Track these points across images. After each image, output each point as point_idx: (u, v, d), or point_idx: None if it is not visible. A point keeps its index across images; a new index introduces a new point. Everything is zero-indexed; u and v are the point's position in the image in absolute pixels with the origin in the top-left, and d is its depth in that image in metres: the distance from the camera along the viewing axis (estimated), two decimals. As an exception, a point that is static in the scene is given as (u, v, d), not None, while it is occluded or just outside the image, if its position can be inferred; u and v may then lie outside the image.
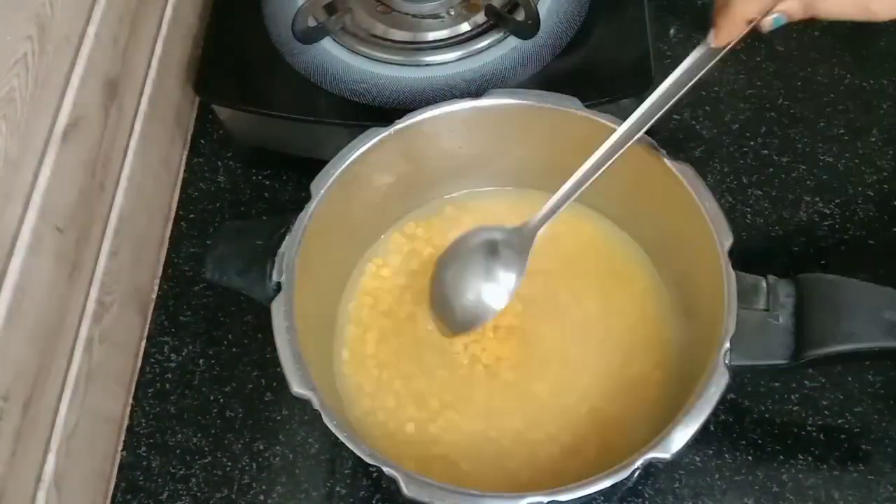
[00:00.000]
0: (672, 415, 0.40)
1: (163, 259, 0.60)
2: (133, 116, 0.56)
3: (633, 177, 0.46)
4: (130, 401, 0.55)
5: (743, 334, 0.41)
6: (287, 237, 0.45)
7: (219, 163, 0.64)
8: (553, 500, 0.38)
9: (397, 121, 0.47)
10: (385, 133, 0.47)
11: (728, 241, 0.43)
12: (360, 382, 0.50)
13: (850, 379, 0.53)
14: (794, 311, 0.42)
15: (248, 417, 0.54)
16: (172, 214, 0.62)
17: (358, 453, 0.40)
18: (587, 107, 0.47)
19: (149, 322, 0.58)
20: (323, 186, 0.46)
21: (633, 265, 0.52)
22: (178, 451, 0.53)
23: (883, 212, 0.58)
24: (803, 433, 0.52)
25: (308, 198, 0.45)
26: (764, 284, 0.43)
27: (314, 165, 0.62)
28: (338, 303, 0.52)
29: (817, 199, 0.59)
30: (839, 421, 0.52)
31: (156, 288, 0.59)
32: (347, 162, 0.47)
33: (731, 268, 0.42)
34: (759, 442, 0.51)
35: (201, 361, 0.56)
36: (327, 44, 0.58)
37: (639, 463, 0.38)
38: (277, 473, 0.52)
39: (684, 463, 0.51)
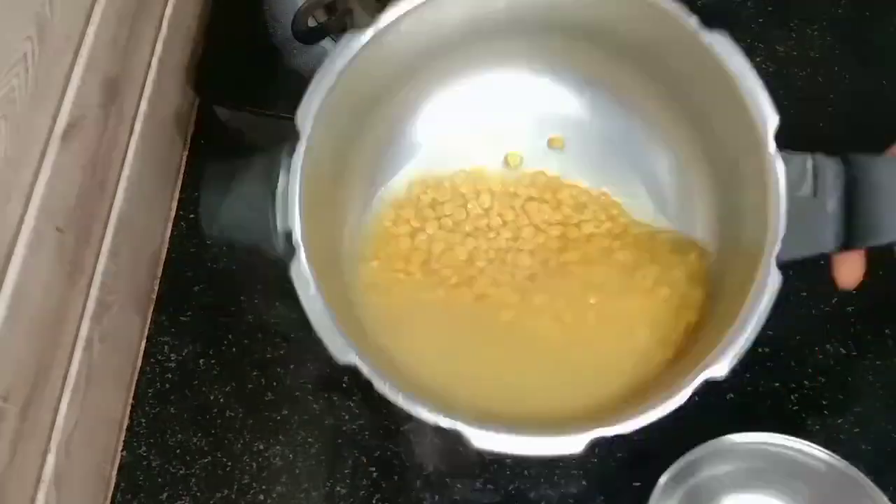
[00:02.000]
0: (715, 333, 0.38)
1: (163, 259, 0.60)
2: (133, 116, 0.56)
3: (655, 50, 0.43)
4: (130, 401, 0.55)
5: (787, 224, 0.37)
6: (283, 175, 0.40)
7: (219, 163, 0.64)
8: (618, 433, 0.36)
9: (374, 23, 0.42)
10: (364, 40, 0.42)
11: (774, 121, 0.38)
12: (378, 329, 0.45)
13: (850, 379, 0.53)
14: (843, 196, 0.37)
15: (248, 417, 0.54)
16: (172, 214, 0.62)
17: (417, 414, 0.38)
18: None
19: (149, 322, 0.58)
20: (308, 119, 0.41)
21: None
22: (178, 451, 0.53)
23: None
24: (803, 433, 0.52)
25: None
26: (810, 165, 0.38)
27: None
28: (352, 240, 0.47)
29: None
30: (839, 421, 0.52)
31: (156, 288, 0.59)
32: (326, 89, 0.41)
33: (778, 152, 0.38)
34: (759, 442, 0.51)
35: (201, 361, 0.56)
36: (327, 44, 0.58)
37: (696, 383, 0.36)
38: (277, 473, 0.52)
39: (684, 463, 0.51)
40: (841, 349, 0.54)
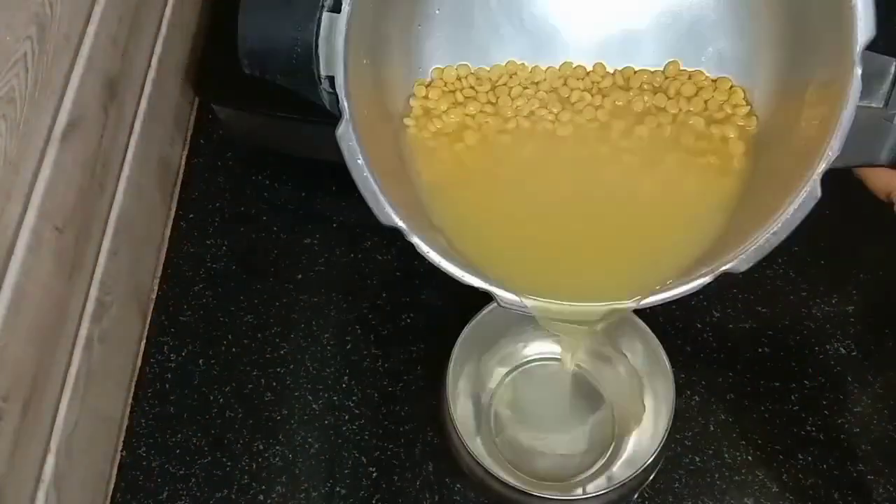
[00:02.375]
0: (747, 226, 0.37)
1: (163, 259, 0.60)
2: (133, 116, 0.56)
3: None
4: (130, 401, 0.55)
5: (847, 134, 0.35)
6: (325, 15, 0.37)
7: (219, 163, 0.64)
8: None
9: None
10: None
11: (868, 31, 0.34)
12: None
13: (849, 379, 0.53)
14: None
15: (248, 417, 0.54)
16: (172, 214, 0.62)
17: (460, 277, 0.37)
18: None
19: (149, 322, 0.58)
20: None
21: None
22: (178, 451, 0.53)
23: None
24: (803, 433, 0.52)
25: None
26: (893, 69, 0.35)
27: (314, 165, 0.62)
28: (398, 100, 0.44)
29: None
30: (839, 421, 0.52)
31: (156, 288, 0.59)
32: None
33: (862, 55, 0.34)
34: (759, 442, 0.51)
35: (201, 361, 0.56)
36: (327, 44, 0.58)
37: (715, 274, 0.36)
38: (277, 473, 0.52)
39: (684, 463, 0.51)
40: (841, 349, 0.54)
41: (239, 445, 0.53)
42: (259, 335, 0.57)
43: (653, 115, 0.43)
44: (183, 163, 0.64)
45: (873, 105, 0.35)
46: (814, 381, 0.53)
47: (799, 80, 0.40)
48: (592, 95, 0.44)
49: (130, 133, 0.56)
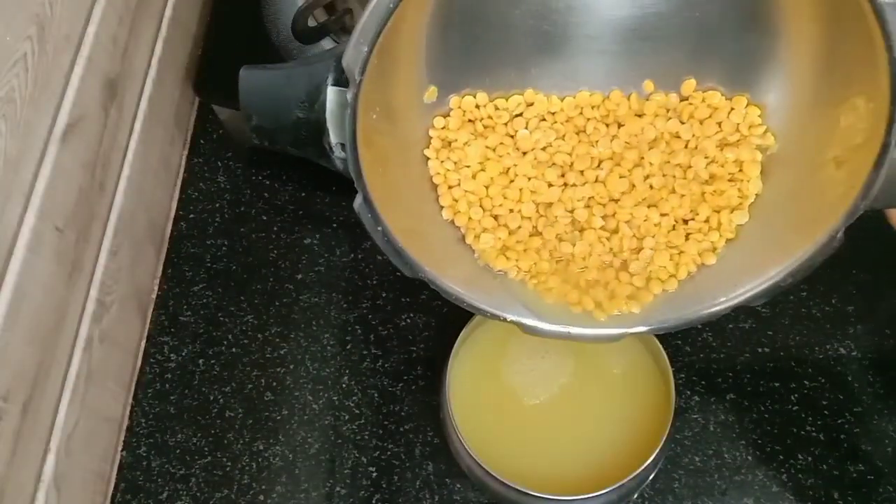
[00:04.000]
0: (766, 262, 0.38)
1: (163, 259, 0.60)
2: (133, 116, 0.56)
3: None
4: (130, 401, 0.55)
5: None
6: (330, 90, 0.37)
7: (219, 163, 0.64)
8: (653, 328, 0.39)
9: None
10: None
11: None
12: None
13: (849, 379, 0.53)
14: None
15: (248, 417, 0.54)
16: (172, 214, 0.62)
17: (480, 311, 0.39)
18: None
19: (149, 322, 0.58)
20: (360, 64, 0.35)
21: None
22: (178, 451, 0.53)
23: None
24: (803, 433, 0.52)
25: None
26: None
27: (314, 165, 0.62)
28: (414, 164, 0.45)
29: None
30: (839, 421, 0.52)
31: (156, 288, 0.59)
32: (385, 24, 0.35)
33: None
34: (759, 442, 0.51)
35: (201, 361, 0.56)
36: (327, 44, 0.58)
37: (733, 304, 0.38)
38: (277, 473, 0.52)
39: (684, 463, 0.51)
40: (841, 349, 0.54)
41: (239, 445, 0.53)
42: (259, 335, 0.57)
43: (666, 141, 0.44)
44: (183, 163, 0.64)
45: None
46: (814, 381, 0.53)
47: (828, 107, 0.38)
48: (608, 126, 0.44)
49: (130, 133, 0.56)
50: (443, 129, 0.44)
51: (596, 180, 0.44)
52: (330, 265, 0.59)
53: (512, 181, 0.45)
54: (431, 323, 0.56)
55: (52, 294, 0.46)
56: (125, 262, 0.55)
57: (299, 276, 0.59)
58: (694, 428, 0.52)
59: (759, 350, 0.55)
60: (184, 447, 0.53)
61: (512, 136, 0.45)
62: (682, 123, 0.43)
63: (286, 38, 0.59)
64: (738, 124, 0.43)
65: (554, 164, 0.44)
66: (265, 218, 0.61)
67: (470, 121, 0.45)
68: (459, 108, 0.44)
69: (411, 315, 0.57)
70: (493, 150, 0.45)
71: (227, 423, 0.54)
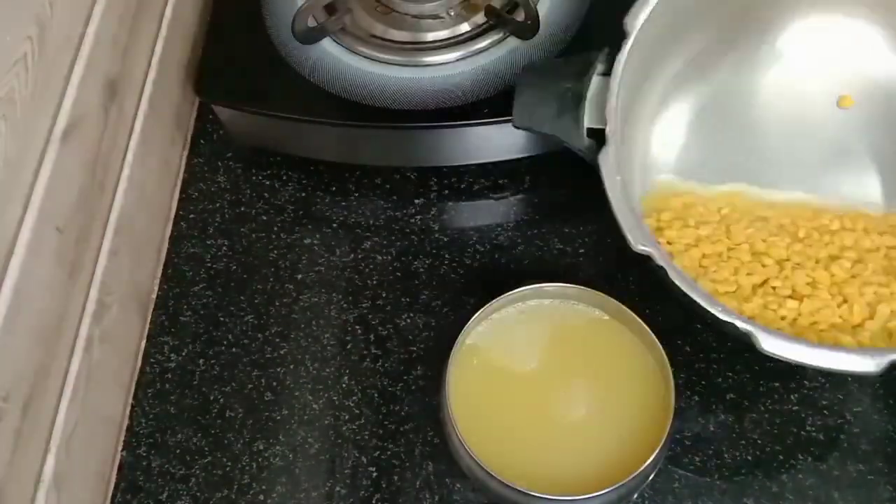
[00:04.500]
0: None
1: (163, 259, 0.60)
2: (133, 116, 0.56)
3: None
4: (130, 401, 0.55)
5: None
6: (596, 78, 0.42)
7: (219, 163, 0.64)
8: None
9: None
10: None
11: None
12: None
13: (849, 379, 0.53)
14: None
15: (248, 417, 0.54)
16: (172, 214, 0.62)
17: (711, 309, 0.38)
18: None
19: (149, 322, 0.58)
20: (638, 22, 0.43)
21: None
22: (178, 451, 0.53)
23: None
24: (803, 433, 0.52)
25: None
26: None
27: (314, 165, 0.62)
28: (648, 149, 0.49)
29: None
30: (839, 421, 0.52)
31: (156, 288, 0.59)
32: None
33: None
34: (759, 442, 0.51)
35: (201, 361, 0.56)
36: (327, 44, 0.58)
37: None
38: (277, 473, 0.52)
39: (684, 463, 0.51)
40: (841, 349, 0.54)
41: (239, 445, 0.53)
42: (259, 335, 0.57)
43: (883, 249, 0.46)
44: (183, 163, 0.64)
45: None
46: (814, 382, 0.53)
47: None
48: (820, 235, 0.47)
49: (130, 133, 0.56)
50: (657, 220, 0.47)
51: (816, 268, 0.46)
52: (330, 265, 0.59)
53: (726, 261, 0.47)
54: (431, 323, 0.56)
55: (52, 294, 0.46)
56: (125, 262, 0.55)
57: (299, 276, 0.59)
58: (694, 428, 0.52)
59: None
60: (184, 447, 0.53)
61: (726, 232, 0.48)
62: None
63: (286, 39, 0.59)
64: None
65: (770, 256, 0.47)
66: (265, 218, 0.61)
67: (680, 217, 0.48)
68: (669, 209, 0.48)
69: (411, 315, 0.57)
70: (708, 236, 0.47)
71: (227, 423, 0.54)
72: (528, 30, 0.57)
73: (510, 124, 0.51)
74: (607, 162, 0.40)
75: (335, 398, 0.54)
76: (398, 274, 0.58)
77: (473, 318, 0.48)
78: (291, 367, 0.56)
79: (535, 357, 0.49)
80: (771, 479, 0.50)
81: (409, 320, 0.57)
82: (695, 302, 0.38)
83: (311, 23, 0.59)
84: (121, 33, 0.54)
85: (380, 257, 0.59)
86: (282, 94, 0.58)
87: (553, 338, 0.49)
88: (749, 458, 0.51)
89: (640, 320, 0.47)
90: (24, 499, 0.44)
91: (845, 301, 0.45)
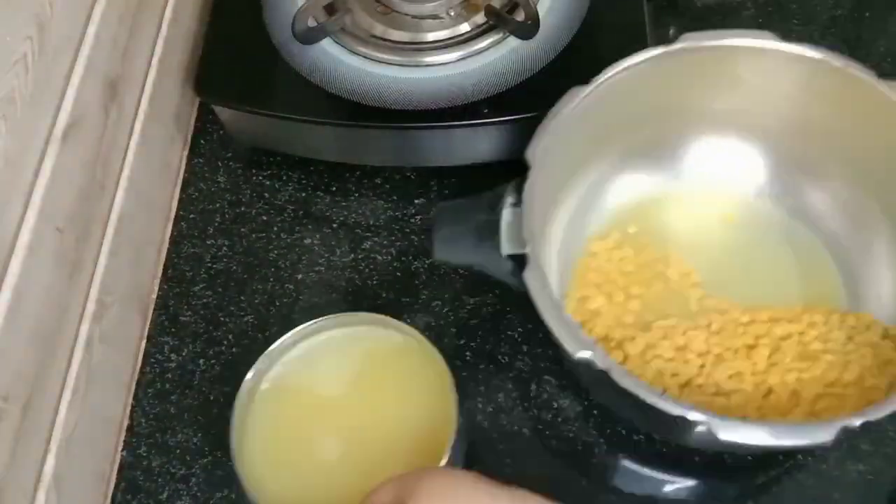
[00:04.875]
0: None
1: (163, 259, 0.60)
2: (133, 116, 0.56)
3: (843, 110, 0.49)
4: (130, 401, 0.55)
5: None
6: (508, 209, 0.45)
7: (219, 163, 0.64)
8: (865, 422, 0.38)
9: (595, 77, 0.48)
10: (587, 91, 0.48)
11: None
12: None
13: (849, 379, 0.53)
14: None
15: (248, 417, 0.54)
16: (172, 214, 0.62)
17: (660, 406, 0.39)
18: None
19: (149, 322, 0.58)
20: (538, 152, 0.46)
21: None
22: (178, 451, 0.53)
23: None
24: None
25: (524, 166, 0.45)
26: None
27: (314, 165, 0.62)
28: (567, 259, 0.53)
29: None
30: (839, 421, 0.52)
31: (156, 288, 0.59)
32: (558, 124, 0.47)
33: None
34: (759, 442, 0.51)
35: (201, 361, 0.56)
36: (327, 44, 0.58)
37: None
38: (277, 473, 0.52)
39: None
40: (841, 349, 0.54)
41: (239, 445, 0.53)
42: (259, 335, 0.57)
43: (795, 336, 0.49)
44: (183, 163, 0.64)
45: None
46: (814, 382, 0.53)
47: None
48: (734, 327, 0.49)
49: (130, 133, 0.56)
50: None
51: (735, 358, 0.48)
52: (330, 265, 0.59)
53: (648, 362, 0.48)
54: (431, 323, 0.56)
55: (52, 294, 0.46)
56: (125, 262, 0.55)
57: (299, 276, 0.59)
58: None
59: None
60: (184, 447, 0.53)
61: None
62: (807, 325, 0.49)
63: (286, 38, 0.59)
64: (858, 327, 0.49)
65: (691, 350, 0.49)
66: (265, 218, 0.61)
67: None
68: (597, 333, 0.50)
69: (411, 315, 0.57)
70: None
71: (228, 424, 0.54)
72: (528, 30, 0.57)
73: (510, 124, 0.51)
74: (533, 280, 0.42)
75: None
76: (398, 274, 0.58)
77: (260, 358, 0.48)
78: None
79: (332, 385, 0.49)
80: (771, 479, 0.50)
81: (408, 320, 0.57)
82: (640, 399, 0.39)
83: (311, 23, 0.59)
84: (121, 33, 0.54)
85: (380, 257, 0.59)
86: (282, 94, 0.58)
87: (344, 365, 0.49)
88: (749, 458, 0.51)
89: (421, 336, 0.48)
90: (24, 499, 0.44)
91: (771, 391, 0.47)
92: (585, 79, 0.48)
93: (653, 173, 0.55)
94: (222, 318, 0.58)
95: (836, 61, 0.48)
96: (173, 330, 0.58)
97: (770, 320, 0.49)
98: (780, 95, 0.51)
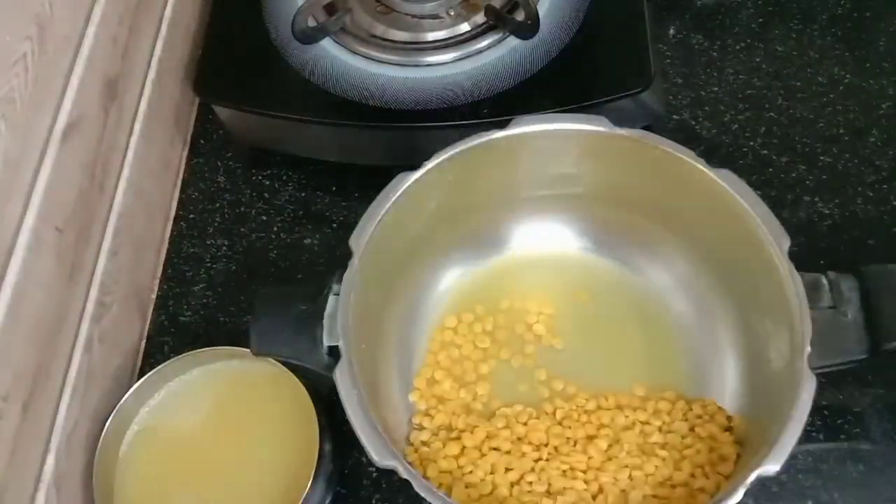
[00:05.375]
0: (763, 436, 0.41)
1: (163, 259, 0.60)
2: (133, 116, 0.56)
3: (672, 188, 0.47)
4: (130, 401, 0.55)
5: (814, 335, 0.40)
6: (332, 298, 0.43)
7: (219, 163, 0.64)
8: None
9: (425, 162, 0.47)
10: (416, 176, 0.47)
11: (786, 243, 0.42)
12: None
13: (849, 379, 0.53)
14: (861, 305, 0.42)
15: (248, 417, 0.54)
16: (172, 214, 0.62)
17: None
18: (587, 108, 0.47)
19: (149, 322, 0.58)
20: (363, 241, 0.45)
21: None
22: (177, 451, 0.53)
23: (882, 212, 0.58)
24: (803, 433, 0.52)
25: (349, 254, 0.44)
26: (825, 281, 0.42)
27: (314, 165, 0.62)
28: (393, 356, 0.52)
29: (817, 199, 0.59)
30: (839, 421, 0.52)
31: (156, 288, 0.59)
32: (383, 211, 0.46)
33: (794, 269, 0.42)
34: (759, 442, 0.51)
35: (201, 361, 0.56)
36: (327, 44, 0.58)
37: (749, 482, 0.38)
38: (277, 473, 0.52)
39: (684, 463, 0.51)
40: (841, 349, 0.54)
41: (239, 445, 0.53)
42: (259, 335, 0.57)
43: (640, 424, 0.49)
44: (183, 163, 0.64)
45: (824, 306, 0.42)
46: (814, 382, 0.53)
47: (758, 321, 0.46)
48: (578, 415, 0.49)
49: (130, 133, 0.56)
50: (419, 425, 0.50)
51: (572, 451, 0.48)
52: (330, 265, 0.59)
53: (484, 455, 0.48)
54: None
55: (52, 294, 0.46)
56: (125, 262, 0.55)
57: (299, 276, 0.59)
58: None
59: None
60: (184, 447, 0.53)
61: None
62: (651, 413, 0.49)
63: (286, 38, 0.59)
64: (702, 414, 0.48)
65: (530, 442, 0.48)
66: (265, 218, 0.61)
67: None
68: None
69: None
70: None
71: (227, 423, 0.54)
72: (528, 30, 0.57)
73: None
74: (343, 377, 0.41)
75: (335, 397, 0.54)
76: (398, 274, 0.58)
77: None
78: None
79: (197, 423, 0.50)
80: (771, 479, 0.50)
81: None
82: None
83: (311, 23, 0.59)
84: (121, 33, 0.54)
85: (380, 257, 0.59)
86: (282, 94, 0.58)
87: (205, 403, 0.50)
88: (749, 458, 0.51)
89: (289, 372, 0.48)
90: (24, 498, 0.44)
91: (601, 491, 0.47)
92: (413, 165, 0.47)
93: (497, 252, 0.55)
94: (222, 319, 0.58)
95: (657, 142, 0.46)
96: (173, 330, 0.58)
97: (616, 407, 0.49)
98: (611, 175, 0.50)
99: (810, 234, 0.57)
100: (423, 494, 0.39)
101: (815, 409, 0.51)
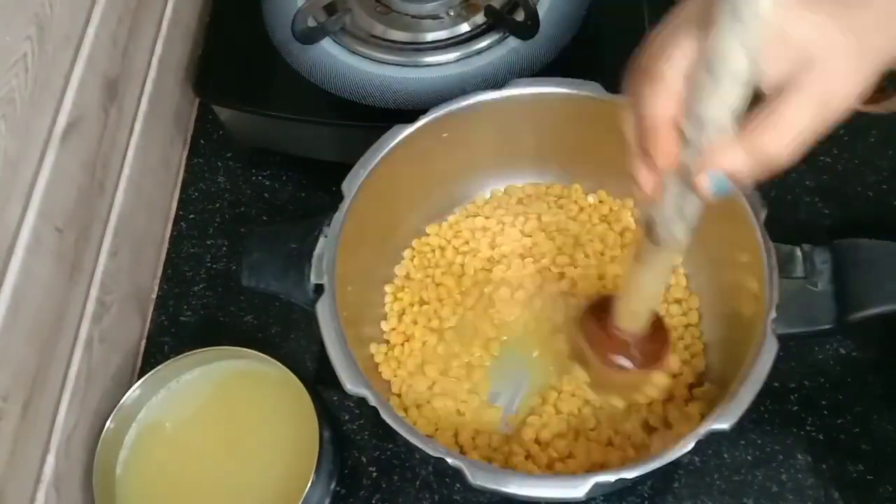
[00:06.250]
0: (722, 391, 0.42)
1: (163, 259, 0.60)
2: (133, 116, 0.56)
3: None
4: (130, 401, 0.55)
5: (784, 303, 0.42)
6: (322, 239, 0.45)
7: (219, 163, 0.64)
8: (620, 478, 0.38)
9: (421, 116, 0.48)
10: (411, 129, 0.48)
11: (763, 213, 0.44)
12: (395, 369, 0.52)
13: (849, 379, 0.53)
14: (832, 277, 0.43)
15: (248, 417, 0.54)
16: (172, 214, 0.62)
17: (421, 446, 0.40)
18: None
19: (149, 322, 0.58)
20: (355, 186, 0.47)
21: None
22: (177, 451, 0.53)
23: (882, 212, 0.58)
24: (803, 433, 0.52)
25: (340, 197, 0.46)
26: (799, 253, 0.44)
27: (314, 165, 0.62)
28: (375, 294, 0.54)
29: (817, 199, 0.59)
30: (839, 421, 0.52)
31: (156, 288, 0.59)
32: (376, 160, 0.48)
33: (768, 238, 0.43)
34: (759, 442, 0.51)
35: (201, 361, 0.56)
36: (327, 44, 0.58)
37: (702, 433, 0.39)
38: (277, 473, 0.52)
39: (683, 463, 0.51)
40: (841, 349, 0.54)
41: (239, 445, 0.53)
42: (259, 335, 0.57)
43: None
44: (183, 163, 0.64)
45: (797, 276, 0.43)
46: (814, 382, 0.53)
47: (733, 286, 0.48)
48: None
49: (130, 133, 0.56)
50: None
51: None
52: (330, 265, 0.59)
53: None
54: (431, 323, 0.56)
55: (52, 294, 0.46)
56: (125, 262, 0.55)
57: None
58: (694, 428, 0.52)
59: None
60: (184, 447, 0.53)
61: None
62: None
63: (286, 38, 0.59)
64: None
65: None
66: (265, 218, 0.61)
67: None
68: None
69: (411, 315, 0.57)
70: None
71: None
72: (527, 30, 0.57)
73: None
74: (324, 310, 0.43)
75: (335, 398, 0.54)
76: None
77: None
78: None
79: (197, 425, 0.50)
80: (771, 479, 0.50)
81: (408, 320, 0.57)
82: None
83: (311, 23, 0.59)
84: (121, 33, 0.54)
85: (380, 257, 0.59)
86: (282, 94, 0.58)
87: (206, 403, 0.51)
88: (749, 458, 0.51)
89: (279, 364, 0.49)
90: (23, 498, 0.44)
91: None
92: (411, 118, 0.48)
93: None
94: (222, 318, 0.58)
95: None
96: (173, 330, 0.58)
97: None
98: (600, 142, 0.49)
99: (810, 234, 0.57)
100: (390, 423, 0.41)
101: (815, 409, 0.52)
